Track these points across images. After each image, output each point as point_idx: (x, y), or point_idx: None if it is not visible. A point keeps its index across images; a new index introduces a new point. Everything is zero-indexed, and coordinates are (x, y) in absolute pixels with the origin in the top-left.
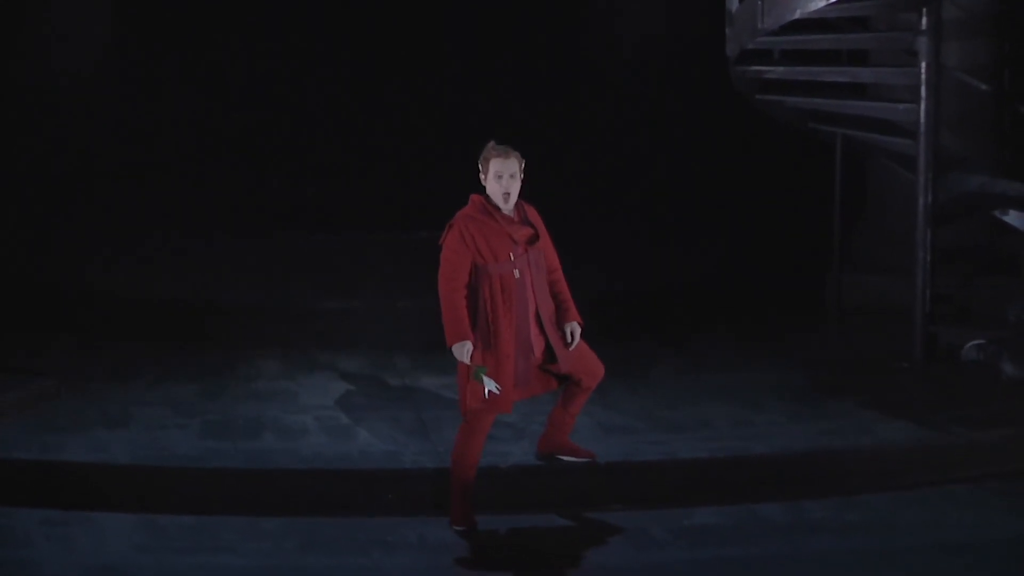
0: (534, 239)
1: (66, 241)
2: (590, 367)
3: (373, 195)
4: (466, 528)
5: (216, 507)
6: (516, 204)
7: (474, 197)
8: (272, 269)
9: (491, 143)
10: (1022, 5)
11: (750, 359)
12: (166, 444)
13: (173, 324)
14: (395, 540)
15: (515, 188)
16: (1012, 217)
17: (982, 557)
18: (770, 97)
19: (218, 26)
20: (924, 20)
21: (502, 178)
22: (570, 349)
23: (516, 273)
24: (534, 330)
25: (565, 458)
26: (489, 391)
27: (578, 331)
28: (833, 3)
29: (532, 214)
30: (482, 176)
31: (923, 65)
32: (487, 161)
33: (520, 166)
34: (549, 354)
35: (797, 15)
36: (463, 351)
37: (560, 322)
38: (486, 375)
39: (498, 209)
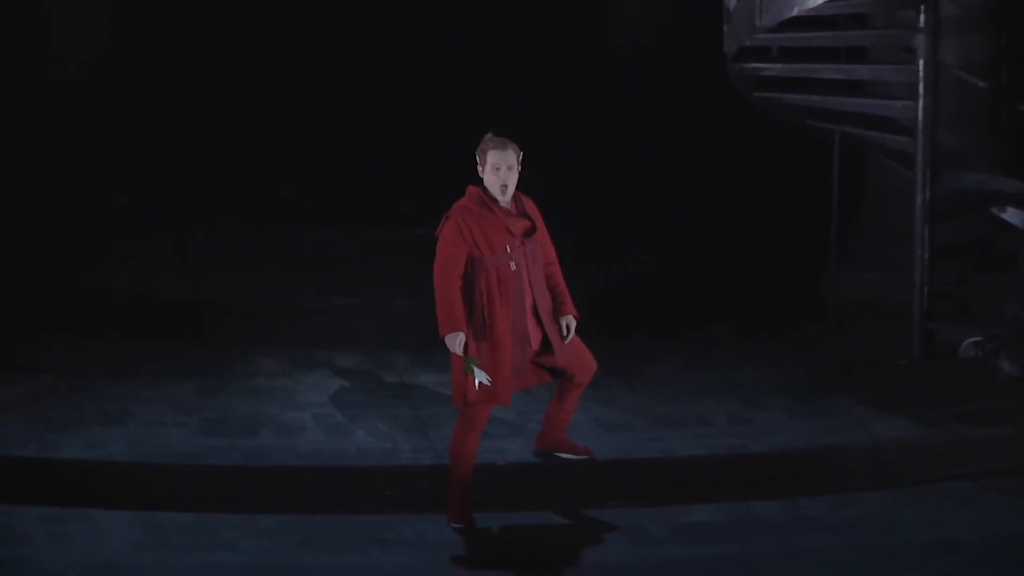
0: (531, 231)
1: (65, 239)
2: (584, 362)
3: (371, 193)
4: (464, 525)
5: (214, 504)
6: (514, 196)
7: (471, 189)
8: (270, 267)
9: (488, 135)
10: (1019, 2)
11: (748, 356)
12: (164, 441)
13: (171, 322)
14: (393, 537)
15: (512, 180)
16: (1010, 214)
17: (980, 554)
18: (768, 94)
19: (217, 24)
20: (922, 17)
21: (499, 170)
22: (566, 342)
23: (513, 265)
24: (531, 322)
25: (563, 455)
26: (480, 382)
27: (574, 324)
28: (831, 0)
29: (530, 206)
30: (479, 168)
31: (921, 62)
32: (484, 153)
33: (518, 158)
34: (544, 347)
35: (795, 12)
36: (455, 342)
37: (556, 315)
38: (477, 367)
39: (495, 201)
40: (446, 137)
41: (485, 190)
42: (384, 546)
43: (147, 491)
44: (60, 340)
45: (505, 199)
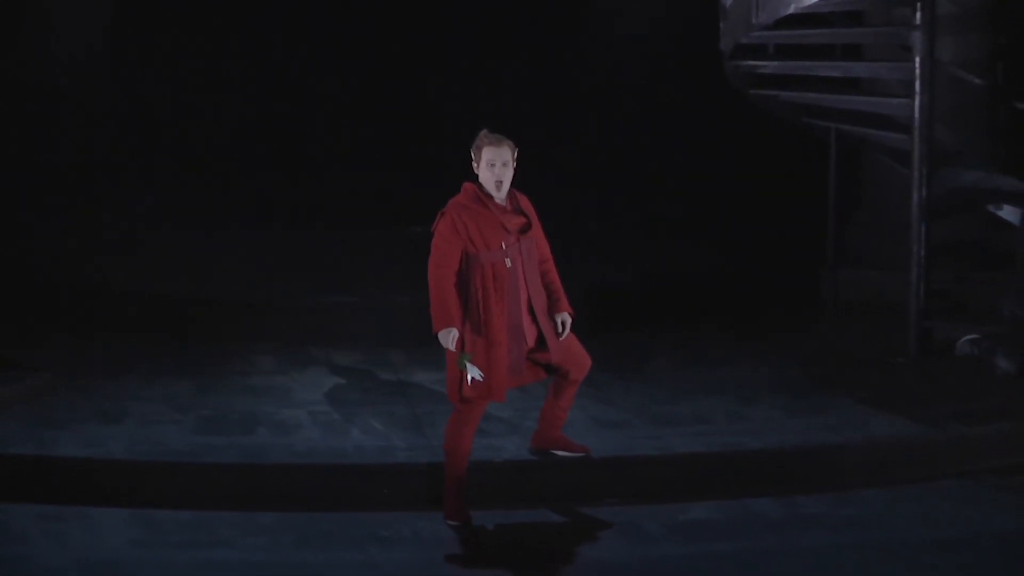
0: (526, 228)
1: (62, 236)
2: (578, 359)
3: (368, 190)
4: (460, 523)
5: (212, 502)
6: (509, 193)
7: (467, 185)
8: (267, 264)
9: (483, 131)
10: (1017, 0)
11: (746, 354)
12: (161, 439)
13: (168, 319)
14: (390, 535)
15: (508, 176)
16: (1006, 212)
17: (977, 552)
18: (764, 92)
19: (216, 23)
20: (918, 15)
21: (494, 166)
22: (561, 339)
23: (508, 262)
24: (526, 319)
25: (559, 453)
26: (472, 378)
27: (569, 321)
28: None
29: (524, 203)
30: (475, 164)
31: (917, 60)
32: (479, 149)
33: (513, 154)
34: (539, 343)
35: (791, 10)
36: (448, 337)
37: (551, 312)
38: (470, 362)
39: (491, 197)
40: (444, 135)
41: (480, 186)
42: (381, 544)
43: (145, 489)
44: (58, 338)
45: (500, 195)
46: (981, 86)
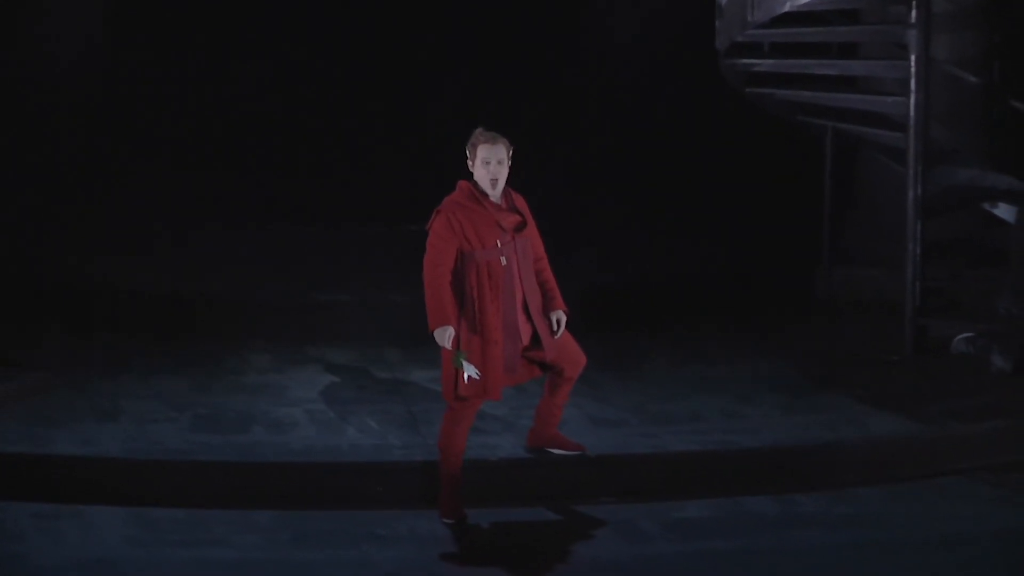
0: (521, 226)
1: (57, 234)
2: (573, 356)
3: (364, 188)
4: (456, 521)
5: (208, 500)
6: (503, 191)
7: (462, 183)
8: (262, 262)
9: (479, 129)
10: None
11: (741, 352)
12: (157, 438)
13: (163, 317)
14: (386, 533)
15: (503, 174)
16: (1002, 210)
17: (974, 550)
18: (760, 90)
19: (213, 22)
20: (914, 13)
21: (489, 164)
22: (556, 338)
23: (503, 260)
24: (521, 317)
25: (555, 451)
26: (468, 376)
27: (564, 320)
28: None
29: (519, 201)
30: (469, 162)
31: (913, 58)
32: (474, 147)
33: (508, 152)
34: (533, 341)
35: (787, 8)
36: (444, 336)
37: (546, 310)
38: (466, 360)
39: (486, 195)
40: (440, 133)
41: (475, 184)
42: (377, 542)
43: (141, 487)
44: (53, 336)
45: (495, 193)
46: (977, 84)
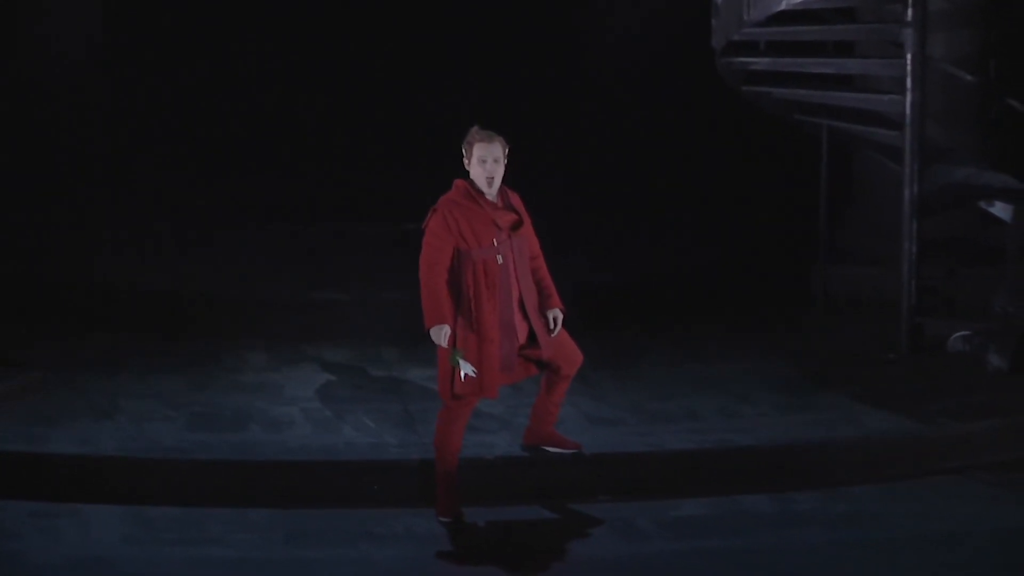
0: (518, 225)
1: (55, 233)
2: (569, 354)
3: (361, 187)
4: (452, 520)
5: (203, 499)
6: (500, 190)
7: (458, 182)
8: (260, 261)
9: (475, 127)
10: None
11: (738, 351)
12: (153, 436)
13: (160, 316)
14: (382, 532)
15: (499, 173)
16: (998, 208)
17: (970, 548)
18: (756, 88)
19: (211, 21)
20: (910, 11)
21: (486, 163)
22: (552, 336)
23: (499, 259)
24: (517, 315)
25: (551, 449)
26: (465, 374)
27: (560, 318)
28: None
29: (515, 200)
30: (466, 161)
31: (909, 56)
32: (471, 145)
33: (504, 151)
34: (530, 340)
35: (783, 6)
36: (440, 334)
37: (543, 308)
38: (463, 358)
39: (482, 194)
40: (437, 132)
41: (472, 183)
42: (373, 540)
43: (136, 486)
44: (49, 334)
45: (491, 192)
46: (973, 82)
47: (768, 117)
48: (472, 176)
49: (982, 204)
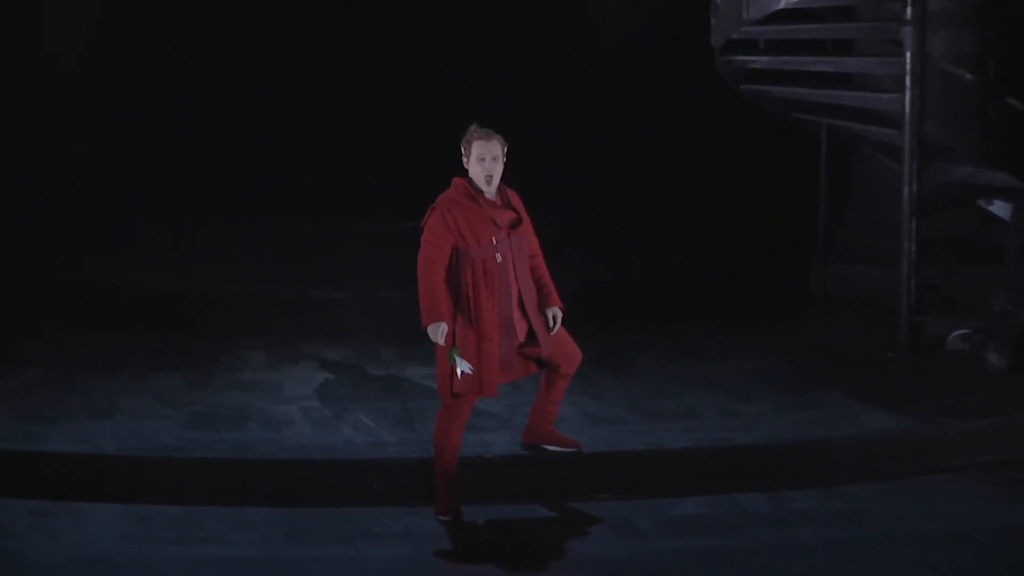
0: (517, 223)
1: (52, 230)
2: (569, 352)
3: (360, 186)
4: (451, 518)
5: (202, 497)
6: (498, 188)
7: (457, 180)
8: (258, 259)
9: (473, 125)
10: None
11: (736, 349)
12: (152, 434)
13: (159, 314)
14: (381, 530)
15: (498, 171)
16: (997, 207)
17: (968, 547)
18: (755, 87)
19: (209, 20)
20: (909, 10)
21: (484, 161)
22: (552, 334)
23: (498, 257)
24: (517, 314)
25: (550, 448)
26: (462, 372)
27: (560, 316)
28: None
29: (514, 198)
30: (464, 159)
31: (908, 55)
32: (469, 144)
33: (503, 149)
34: (529, 338)
35: (782, 5)
36: (437, 332)
37: (542, 306)
38: (459, 356)
39: (481, 192)
40: (434, 128)
41: (471, 181)
42: (372, 539)
43: (135, 484)
44: (48, 333)
45: (490, 190)
46: (972, 81)
47: (767, 116)
48: (471, 174)
49: (981, 203)
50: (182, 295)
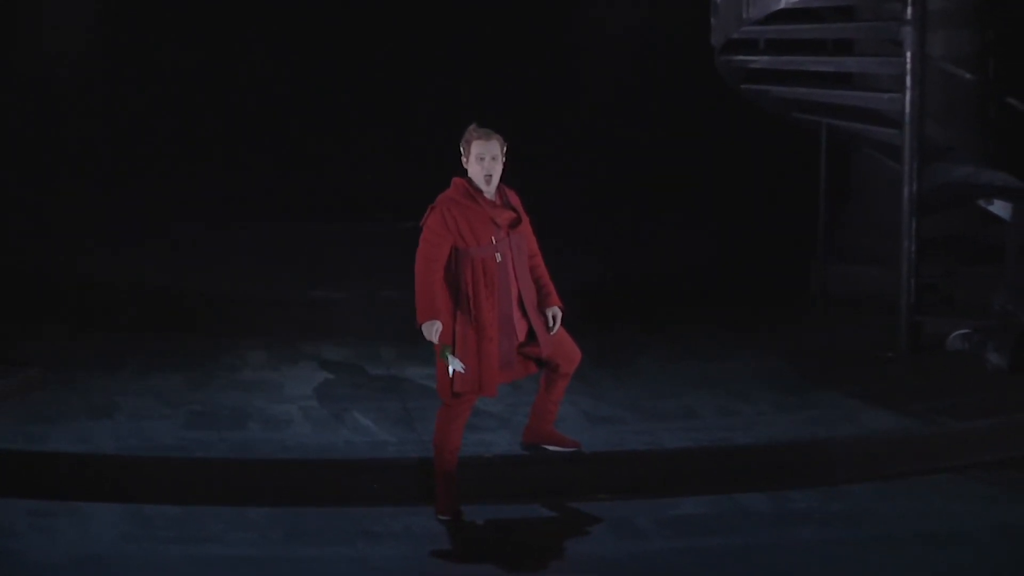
0: (516, 223)
1: (53, 230)
2: (568, 352)
3: (360, 185)
4: (451, 518)
5: (202, 497)
6: (498, 188)
7: (456, 180)
8: (257, 259)
9: (472, 125)
10: None
11: (736, 349)
12: (151, 434)
13: (158, 314)
14: (381, 530)
15: (497, 170)
16: (997, 207)
17: (968, 547)
18: (755, 87)
19: (208, 19)
20: (909, 10)
21: (484, 160)
22: (551, 334)
23: (498, 257)
24: (516, 313)
25: (550, 448)
26: (458, 371)
27: (559, 316)
28: None
29: (513, 198)
30: (464, 159)
31: (908, 55)
32: (469, 143)
33: (502, 148)
34: (529, 338)
35: (782, 5)
36: (431, 330)
37: (541, 306)
38: (452, 354)
39: (480, 192)
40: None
41: (470, 181)
42: (371, 539)
43: (134, 484)
44: (48, 333)
45: (490, 189)
46: (972, 81)
47: (767, 115)
48: (470, 174)
49: (981, 202)
50: (182, 295)
